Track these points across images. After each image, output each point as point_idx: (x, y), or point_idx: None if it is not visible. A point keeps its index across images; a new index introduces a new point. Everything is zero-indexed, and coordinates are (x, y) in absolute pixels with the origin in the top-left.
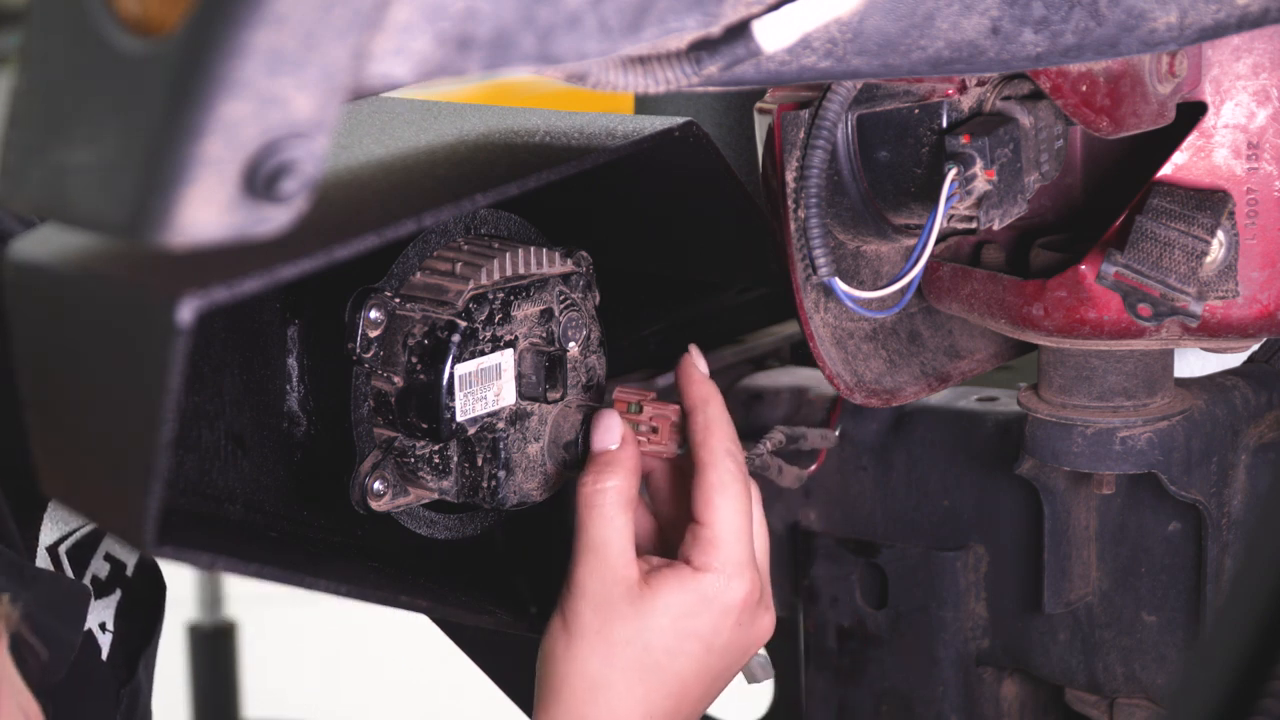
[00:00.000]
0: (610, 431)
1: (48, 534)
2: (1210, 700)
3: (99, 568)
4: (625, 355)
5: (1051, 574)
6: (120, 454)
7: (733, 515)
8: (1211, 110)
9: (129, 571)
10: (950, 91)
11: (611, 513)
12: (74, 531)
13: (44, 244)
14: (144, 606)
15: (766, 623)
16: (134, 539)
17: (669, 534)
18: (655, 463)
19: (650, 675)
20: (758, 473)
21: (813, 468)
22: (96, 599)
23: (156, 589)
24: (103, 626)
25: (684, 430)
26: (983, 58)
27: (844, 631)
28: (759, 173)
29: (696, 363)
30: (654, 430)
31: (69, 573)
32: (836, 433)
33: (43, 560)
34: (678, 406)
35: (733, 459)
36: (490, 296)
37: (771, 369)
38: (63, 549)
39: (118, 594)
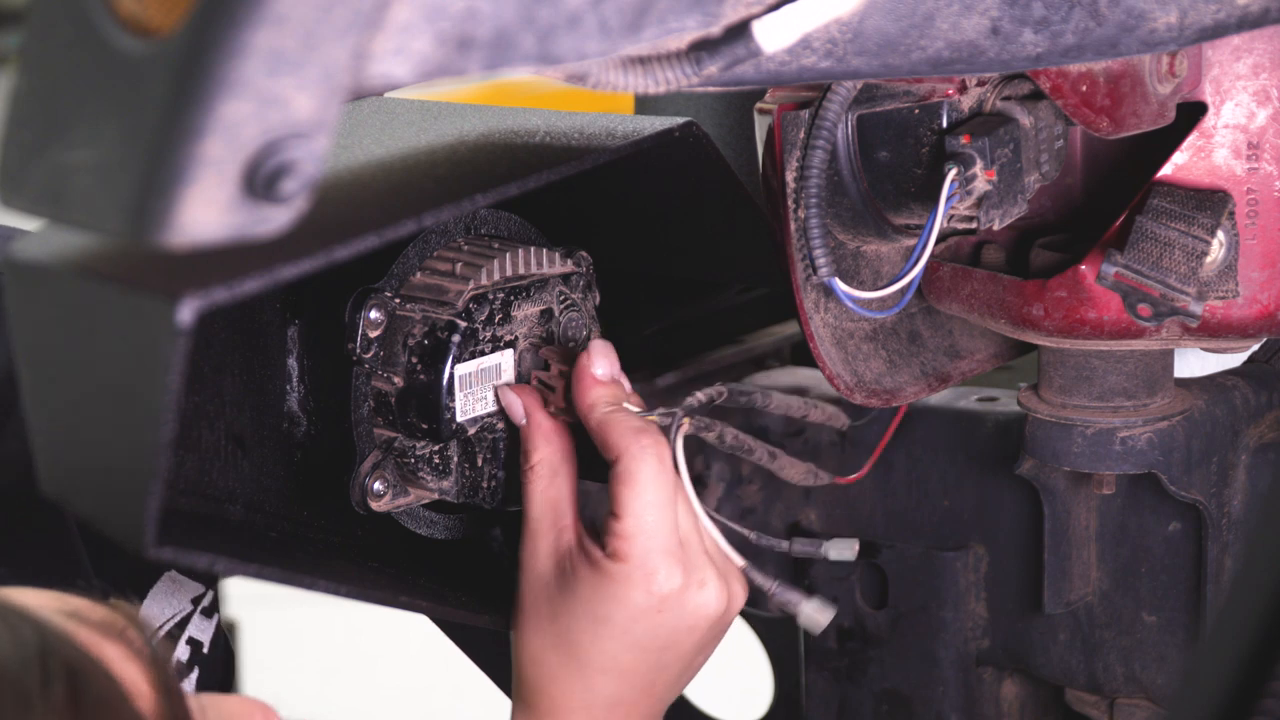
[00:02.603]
0: (513, 408)
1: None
2: (1211, 700)
3: (181, 652)
4: (625, 355)
5: (1051, 574)
6: (120, 454)
7: (643, 507)
8: (1211, 110)
9: (205, 649)
10: (950, 91)
11: (539, 487)
12: (167, 621)
13: (44, 244)
14: (217, 678)
15: (707, 600)
16: (134, 540)
17: None
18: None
19: (577, 652)
20: (731, 451)
21: (863, 472)
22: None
23: (229, 659)
24: None
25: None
26: (983, 58)
27: (844, 631)
28: (759, 173)
29: (592, 364)
30: (551, 389)
31: None
32: (846, 418)
33: None
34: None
35: (637, 444)
36: (490, 297)
37: (771, 369)
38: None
39: (195, 672)
